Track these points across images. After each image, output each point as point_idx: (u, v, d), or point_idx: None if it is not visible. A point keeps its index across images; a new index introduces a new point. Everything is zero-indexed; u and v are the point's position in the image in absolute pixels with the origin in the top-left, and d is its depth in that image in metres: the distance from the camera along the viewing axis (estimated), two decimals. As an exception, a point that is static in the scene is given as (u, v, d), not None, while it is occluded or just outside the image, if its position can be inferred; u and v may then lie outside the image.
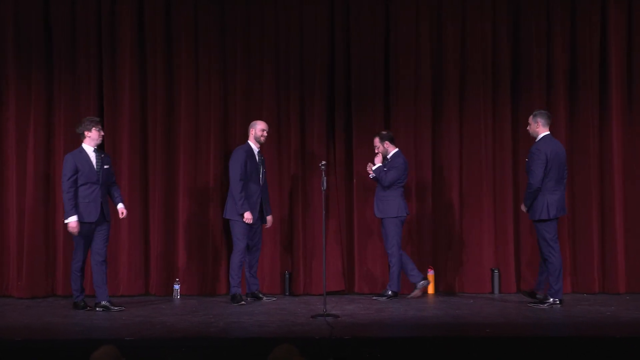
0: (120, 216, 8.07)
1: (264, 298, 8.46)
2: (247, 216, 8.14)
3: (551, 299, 7.96)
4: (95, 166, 7.85)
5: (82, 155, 7.86)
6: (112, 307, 7.90)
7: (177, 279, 8.97)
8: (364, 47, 9.25)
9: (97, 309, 7.86)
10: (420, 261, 9.09)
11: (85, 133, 7.91)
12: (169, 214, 9.13)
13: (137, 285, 9.08)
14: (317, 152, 9.21)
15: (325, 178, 7.76)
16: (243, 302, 8.18)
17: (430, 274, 9.07)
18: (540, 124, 8.00)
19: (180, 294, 8.84)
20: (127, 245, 9.06)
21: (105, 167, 7.95)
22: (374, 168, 8.51)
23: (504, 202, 9.24)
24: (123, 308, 7.96)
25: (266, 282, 9.15)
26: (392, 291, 8.60)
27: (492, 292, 9.12)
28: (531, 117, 8.08)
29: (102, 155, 7.96)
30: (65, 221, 7.71)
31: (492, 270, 9.13)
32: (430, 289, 9.06)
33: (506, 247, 9.19)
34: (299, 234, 9.15)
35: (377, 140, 8.68)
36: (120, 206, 8.06)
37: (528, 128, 8.09)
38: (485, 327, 7.07)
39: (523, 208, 8.09)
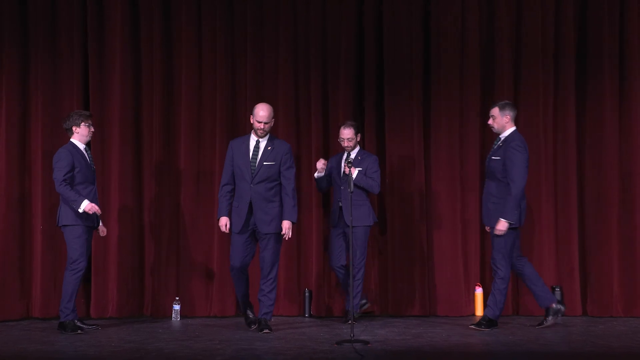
0: (102, 234, 8.13)
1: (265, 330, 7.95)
2: (220, 222, 7.85)
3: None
4: (90, 164, 7.94)
5: (76, 151, 7.89)
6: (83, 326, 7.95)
7: (177, 298, 8.86)
8: (399, 18, 9.15)
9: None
10: (466, 277, 9.02)
11: (73, 129, 7.93)
12: (167, 219, 9.04)
13: (128, 305, 8.98)
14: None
15: (352, 178, 7.63)
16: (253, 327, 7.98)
17: (479, 292, 8.91)
18: (509, 117, 7.88)
19: (180, 315, 8.78)
20: (117, 258, 8.93)
21: (94, 167, 8.07)
22: (355, 175, 8.28)
23: (567, 207, 9.05)
24: (99, 328, 7.98)
25: (281, 301, 8.99)
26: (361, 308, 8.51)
27: None
28: (496, 108, 7.91)
29: (90, 153, 8.06)
30: (80, 210, 7.72)
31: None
32: (479, 310, 8.88)
33: (570, 261, 9.02)
34: (320, 245, 9.02)
35: (352, 133, 8.42)
36: (100, 225, 8.10)
37: (491, 122, 7.95)
38: (545, 357, 6.90)
39: (504, 226, 7.70)
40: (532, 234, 9.00)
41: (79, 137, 7.93)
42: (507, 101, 8.03)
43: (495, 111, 7.93)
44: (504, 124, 7.91)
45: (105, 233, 8.15)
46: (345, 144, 8.41)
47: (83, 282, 8.08)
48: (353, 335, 7.28)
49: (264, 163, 7.76)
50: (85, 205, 7.75)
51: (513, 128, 7.91)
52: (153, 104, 9.09)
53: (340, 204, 8.38)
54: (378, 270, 9.12)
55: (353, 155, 8.44)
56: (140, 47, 9.11)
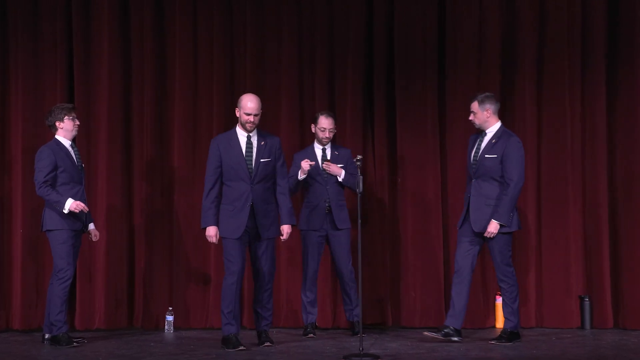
0: (94, 239, 8.07)
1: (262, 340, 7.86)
2: (208, 232, 7.65)
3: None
4: (76, 162, 7.88)
5: (60, 149, 7.82)
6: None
7: (170, 308, 8.79)
8: (411, 2, 9.14)
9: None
10: (485, 286, 9.00)
11: (57, 124, 7.85)
12: (160, 224, 9.00)
13: (117, 316, 8.92)
14: (351, 143, 8.99)
15: (361, 177, 7.47)
16: (242, 347, 7.68)
17: (499, 302, 8.66)
18: (490, 111, 7.82)
19: (174, 327, 8.74)
20: (104, 264, 8.86)
21: (83, 165, 8.02)
22: (342, 176, 8.32)
23: (596, 208, 8.95)
24: (85, 341, 7.92)
25: (283, 312, 8.97)
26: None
27: (582, 326, 8.84)
28: (476, 103, 7.88)
29: (77, 151, 8.04)
30: (65, 210, 7.64)
31: (582, 299, 8.84)
32: (500, 322, 8.70)
33: (601, 268, 8.91)
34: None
35: (333, 123, 8.42)
36: (91, 226, 8.01)
37: (472, 118, 7.92)
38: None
39: (496, 228, 7.71)
40: (557, 239, 8.92)
41: (64, 132, 7.85)
42: (487, 93, 7.96)
43: (475, 106, 7.88)
44: (485, 118, 7.85)
45: (97, 237, 8.08)
46: (327, 134, 8.33)
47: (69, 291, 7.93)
48: (362, 349, 7.21)
49: (261, 160, 7.64)
50: (70, 205, 7.65)
51: (499, 123, 7.87)
52: (144, 97, 9.02)
53: (327, 204, 8.28)
54: (389, 277, 9.01)
55: (328, 149, 8.38)
56: (130, 35, 9.04)
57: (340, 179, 8.29)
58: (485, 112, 7.81)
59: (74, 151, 7.87)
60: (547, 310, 8.88)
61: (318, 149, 8.30)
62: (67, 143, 7.84)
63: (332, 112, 8.52)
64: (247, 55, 9.06)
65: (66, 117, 7.81)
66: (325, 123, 8.31)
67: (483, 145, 7.82)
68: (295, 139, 8.95)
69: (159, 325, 8.76)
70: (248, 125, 7.59)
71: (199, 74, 9.08)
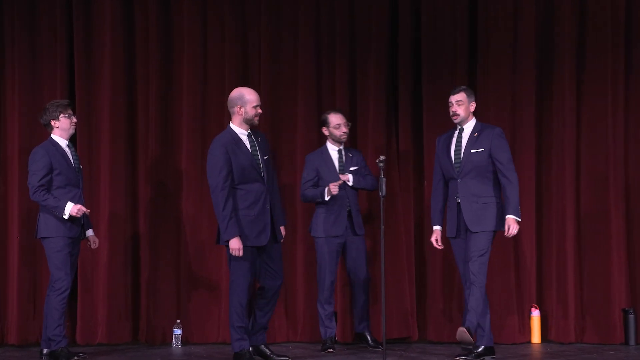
0: (93, 246, 7.99)
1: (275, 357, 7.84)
2: (234, 245, 7.34)
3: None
4: (73, 164, 7.79)
5: (56, 150, 7.72)
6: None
7: (178, 321, 8.67)
8: None
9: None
10: (519, 297, 8.75)
11: (52, 123, 7.75)
12: (167, 229, 8.89)
13: (121, 330, 8.81)
14: (373, 143, 8.93)
15: (384, 179, 7.36)
16: None
17: (535, 315, 8.62)
18: (474, 105, 7.72)
19: (182, 342, 8.62)
20: (107, 274, 8.78)
21: (81, 166, 7.95)
22: (351, 180, 8.18)
23: None
24: (86, 356, 7.85)
25: (300, 325, 8.85)
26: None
27: (626, 342, 8.61)
28: (463, 93, 7.71)
29: (75, 151, 7.97)
30: (66, 215, 7.53)
31: (625, 312, 8.62)
32: (536, 337, 8.60)
33: None
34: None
35: (343, 117, 8.35)
36: (89, 233, 7.90)
37: (456, 109, 7.72)
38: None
39: (515, 227, 7.55)
40: (598, 247, 8.74)
41: (60, 132, 7.76)
42: (465, 86, 7.93)
43: (462, 96, 7.69)
44: (470, 112, 7.74)
45: (97, 244, 7.99)
46: (344, 129, 8.23)
47: (68, 302, 7.83)
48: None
49: (264, 158, 7.61)
50: (70, 209, 7.53)
51: (474, 119, 7.75)
52: (149, 91, 8.93)
53: (349, 209, 8.18)
54: (416, 287, 8.88)
55: (342, 151, 8.37)
56: (134, 25, 8.96)
57: (350, 184, 8.15)
58: (470, 106, 7.71)
59: (71, 152, 7.79)
60: (588, 324, 8.73)
61: (333, 150, 8.16)
62: (63, 143, 7.75)
63: (338, 108, 8.50)
64: (262, 47, 8.98)
65: (62, 115, 7.70)
66: (337, 118, 8.27)
67: (464, 141, 7.66)
68: (312, 136, 8.87)
69: (166, 339, 8.67)
70: (256, 119, 7.55)
71: (209, 66, 8.98)
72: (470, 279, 7.48)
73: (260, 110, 7.56)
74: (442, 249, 8.13)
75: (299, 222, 8.85)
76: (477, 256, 7.48)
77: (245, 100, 7.44)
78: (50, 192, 7.60)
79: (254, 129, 7.66)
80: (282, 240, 7.78)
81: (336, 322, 8.73)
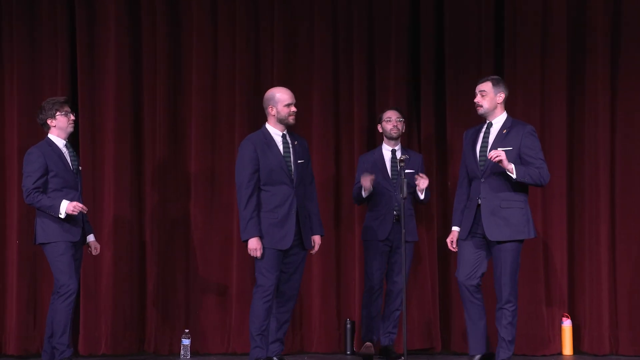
0: (94, 252, 7.86)
1: None
2: (252, 245, 7.40)
3: None
4: (71, 165, 7.66)
5: (52, 150, 7.62)
6: None
7: (186, 331, 8.54)
8: None
9: None
10: (549, 306, 8.63)
11: (49, 122, 7.64)
12: (174, 234, 8.82)
13: (126, 340, 8.70)
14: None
15: (405, 180, 7.27)
16: None
17: (566, 325, 8.47)
18: (503, 97, 7.41)
19: (190, 352, 8.48)
20: (111, 282, 8.70)
21: (80, 167, 7.84)
22: (423, 195, 8.11)
23: None
24: None
25: (316, 334, 8.77)
26: None
27: None
28: (489, 83, 7.47)
29: (73, 151, 7.85)
30: (62, 214, 7.42)
31: None
32: (567, 348, 8.46)
33: None
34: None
35: (398, 115, 8.31)
36: (90, 238, 7.77)
37: (479, 100, 7.49)
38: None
39: (504, 157, 7.22)
40: (633, 254, 8.59)
41: (57, 131, 7.64)
42: (496, 76, 7.67)
43: (487, 86, 7.46)
44: (495, 104, 7.46)
45: (98, 250, 7.86)
46: (394, 123, 8.16)
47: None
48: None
49: (299, 161, 7.61)
50: (66, 207, 7.42)
51: (505, 113, 7.48)
52: (156, 89, 8.81)
53: (396, 213, 8.07)
54: (440, 297, 8.78)
55: (398, 151, 8.22)
56: (140, 19, 8.81)
57: (421, 197, 8.08)
58: (497, 97, 7.44)
59: (69, 152, 7.68)
60: (623, 334, 8.55)
61: (387, 150, 8.08)
62: (60, 143, 7.64)
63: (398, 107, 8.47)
64: (275, 40, 8.88)
65: (58, 113, 7.58)
66: (390, 113, 8.25)
67: (492, 137, 7.42)
68: (328, 135, 8.81)
69: (174, 349, 8.58)
70: (291, 118, 7.52)
71: (219, 61, 8.87)
72: (502, 301, 7.33)
73: (294, 109, 7.57)
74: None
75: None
76: (508, 275, 7.34)
77: (277, 99, 7.49)
78: (45, 194, 7.52)
79: (292, 132, 7.71)
80: (312, 251, 7.79)
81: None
